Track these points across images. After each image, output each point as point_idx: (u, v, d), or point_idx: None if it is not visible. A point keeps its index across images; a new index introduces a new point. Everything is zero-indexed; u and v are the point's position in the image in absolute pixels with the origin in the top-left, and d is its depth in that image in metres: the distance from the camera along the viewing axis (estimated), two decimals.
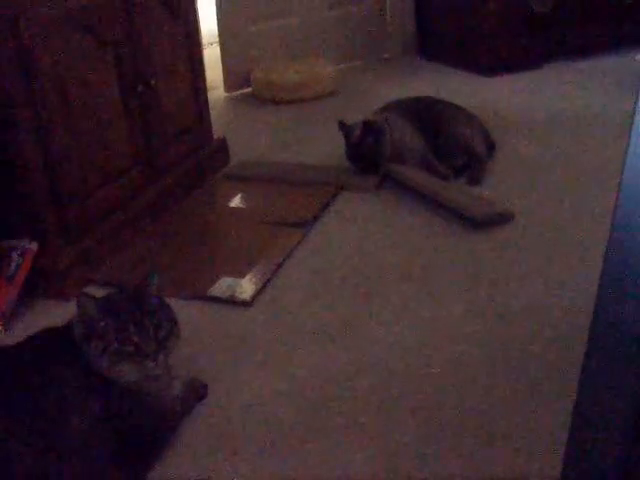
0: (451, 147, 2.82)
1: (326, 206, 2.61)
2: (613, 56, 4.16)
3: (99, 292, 1.62)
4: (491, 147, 2.92)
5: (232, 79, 4.05)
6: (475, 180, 2.73)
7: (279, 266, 2.23)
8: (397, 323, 1.95)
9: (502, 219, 2.42)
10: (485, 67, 4.02)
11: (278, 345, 1.88)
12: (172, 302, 1.58)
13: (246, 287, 2.11)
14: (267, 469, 1.49)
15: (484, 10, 3.93)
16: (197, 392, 1.68)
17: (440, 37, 4.38)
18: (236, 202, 2.69)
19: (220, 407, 1.67)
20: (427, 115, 2.90)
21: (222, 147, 3.03)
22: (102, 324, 1.43)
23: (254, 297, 2.07)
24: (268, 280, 2.16)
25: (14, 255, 2.03)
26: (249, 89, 4.02)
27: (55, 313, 2.00)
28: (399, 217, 2.53)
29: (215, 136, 3.00)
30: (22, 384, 1.38)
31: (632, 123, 0.82)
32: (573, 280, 2.07)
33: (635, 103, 0.82)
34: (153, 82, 2.47)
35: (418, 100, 3.02)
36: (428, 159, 2.79)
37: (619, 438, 0.88)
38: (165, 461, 1.52)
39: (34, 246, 2.05)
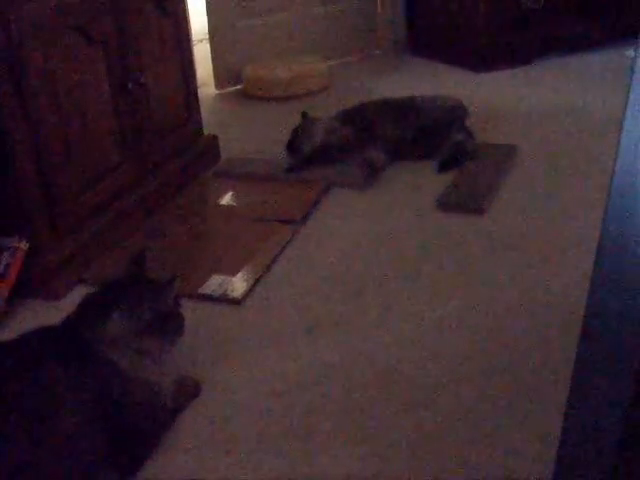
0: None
1: (317, 203, 2.61)
2: (603, 52, 4.16)
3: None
4: None
5: (222, 76, 4.03)
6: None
7: (270, 264, 2.23)
8: (389, 320, 1.95)
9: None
10: (475, 63, 4.02)
11: (270, 343, 1.88)
12: None
13: (237, 285, 2.11)
14: (260, 468, 1.49)
15: (474, 6, 3.94)
16: (189, 390, 1.68)
17: (430, 33, 4.38)
18: (227, 200, 2.69)
19: (212, 405, 1.67)
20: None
21: (213, 144, 3.02)
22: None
23: (245, 295, 2.07)
24: (259, 278, 2.15)
25: (4, 254, 2.02)
26: (240, 86, 4.01)
27: (46, 312, 1.99)
28: (390, 213, 2.53)
29: (206, 133, 2.99)
30: (13, 382, 1.37)
31: (623, 118, 0.82)
32: (566, 276, 2.08)
33: (627, 98, 0.82)
34: (143, 79, 2.46)
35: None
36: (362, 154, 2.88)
37: (612, 438, 0.88)
38: (157, 460, 1.51)
39: (24, 245, 2.04)
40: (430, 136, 2.90)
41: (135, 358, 1.52)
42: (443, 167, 2.81)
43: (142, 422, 1.49)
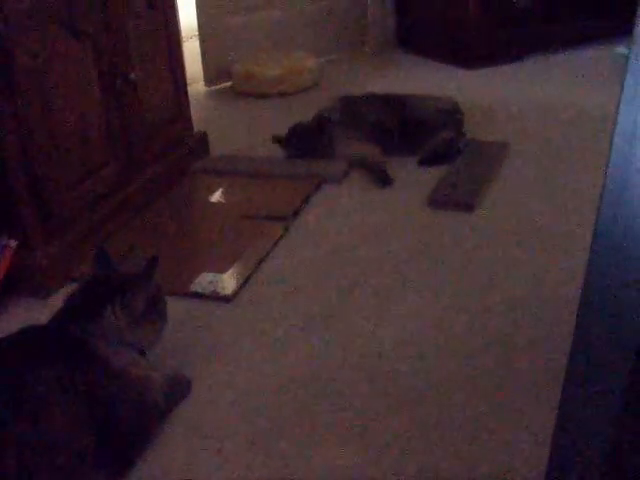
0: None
1: (307, 200, 2.60)
2: (594, 49, 4.17)
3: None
4: None
5: (212, 73, 4.03)
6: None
7: (261, 261, 2.22)
8: (381, 316, 1.94)
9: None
10: (466, 60, 4.03)
11: (261, 340, 1.87)
12: None
13: (227, 282, 2.10)
14: (252, 466, 1.48)
15: (465, 3, 3.94)
16: (181, 388, 1.67)
17: (421, 30, 4.38)
18: (217, 197, 2.68)
19: (204, 404, 1.66)
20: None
21: (202, 141, 3.01)
22: None
23: (236, 292, 2.06)
24: (250, 275, 2.15)
25: None
26: (229, 83, 4.01)
27: (36, 310, 1.98)
28: (381, 210, 2.53)
29: (195, 130, 2.98)
30: (2, 381, 1.36)
31: (617, 114, 0.82)
32: (558, 272, 2.08)
33: (620, 93, 0.82)
34: (132, 76, 2.45)
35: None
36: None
37: (606, 433, 0.88)
38: (147, 460, 1.50)
39: (13, 243, 2.02)
40: (416, 132, 2.91)
41: (127, 353, 1.51)
42: (424, 161, 2.84)
43: (133, 420, 1.48)
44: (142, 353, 1.57)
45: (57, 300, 1.95)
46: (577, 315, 0.90)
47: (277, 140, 2.97)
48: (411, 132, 2.91)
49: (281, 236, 2.36)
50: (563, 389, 0.95)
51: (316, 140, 2.90)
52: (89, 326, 1.49)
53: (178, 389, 1.66)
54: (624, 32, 3.55)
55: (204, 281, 2.11)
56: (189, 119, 2.93)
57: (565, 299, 1.91)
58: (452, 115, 2.99)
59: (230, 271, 2.16)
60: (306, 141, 2.92)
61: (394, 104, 2.98)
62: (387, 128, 2.91)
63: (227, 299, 2.04)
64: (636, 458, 0.92)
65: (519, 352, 1.77)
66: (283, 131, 2.99)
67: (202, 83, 4.03)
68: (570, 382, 0.92)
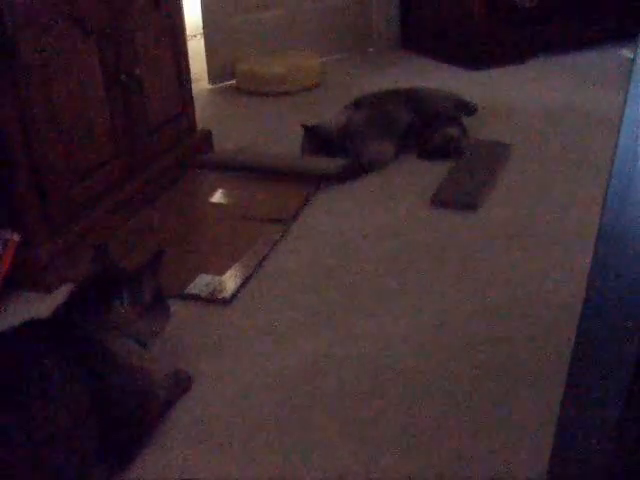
0: None
1: (308, 200, 2.60)
2: (597, 51, 4.17)
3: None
4: None
5: (216, 71, 4.02)
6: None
7: (259, 263, 2.20)
8: (382, 316, 1.94)
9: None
10: (469, 61, 4.02)
11: (260, 342, 1.87)
12: None
13: (225, 285, 2.08)
14: (251, 463, 1.49)
15: (469, 3, 3.93)
16: (182, 383, 1.68)
17: (424, 30, 4.38)
18: (217, 197, 2.66)
19: (204, 402, 1.66)
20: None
21: (206, 139, 3.01)
22: None
23: (234, 295, 2.04)
24: (249, 277, 2.13)
25: None
26: (233, 81, 4.00)
27: (37, 304, 1.98)
28: (382, 209, 2.53)
29: (199, 128, 2.98)
30: (3, 376, 1.36)
31: (622, 116, 0.82)
32: (560, 271, 2.08)
33: (625, 96, 0.82)
34: (137, 72, 2.45)
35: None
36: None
37: (606, 434, 0.88)
38: (147, 457, 1.50)
39: (16, 237, 2.03)
40: (431, 124, 2.94)
41: (131, 346, 1.52)
42: (423, 154, 2.86)
43: (134, 412, 1.48)
44: (144, 346, 1.57)
45: (59, 295, 1.95)
46: (580, 315, 0.90)
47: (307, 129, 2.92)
48: (427, 124, 2.93)
49: (280, 237, 2.35)
50: (565, 387, 0.95)
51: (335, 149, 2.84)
52: (96, 318, 1.50)
53: (179, 383, 1.66)
54: (629, 35, 3.55)
55: (201, 283, 2.09)
56: (193, 116, 2.93)
57: (567, 299, 1.91)
58: (465, 107, 3.05)
59: (228, 273, 2.14)
60: (326, 148, 2.86)
61: (413, 99, 3.02)
62: (415, 126, 2.93)
63: (225, 302, 2.02)
64: (638, 457, 0.93)
65: (521, 352, 1.77)
66: (286, 130, 2.99)
67: (206, 81, 4.03)
68: (572, 380, 0.92)
